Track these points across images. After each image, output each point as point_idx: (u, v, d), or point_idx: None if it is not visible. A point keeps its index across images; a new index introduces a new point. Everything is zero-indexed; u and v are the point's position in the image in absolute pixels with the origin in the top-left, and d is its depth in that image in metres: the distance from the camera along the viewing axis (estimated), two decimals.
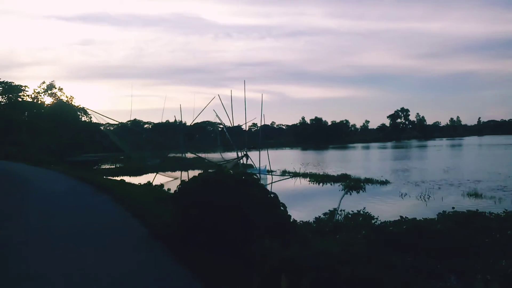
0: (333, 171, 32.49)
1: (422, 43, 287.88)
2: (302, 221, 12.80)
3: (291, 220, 7.23)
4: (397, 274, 6.04)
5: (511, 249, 9.45)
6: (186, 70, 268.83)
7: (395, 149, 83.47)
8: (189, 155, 32.47)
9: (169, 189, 16.63)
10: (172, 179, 29.95)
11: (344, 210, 15.53)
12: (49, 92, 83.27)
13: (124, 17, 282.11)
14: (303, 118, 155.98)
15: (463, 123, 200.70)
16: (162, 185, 18.31)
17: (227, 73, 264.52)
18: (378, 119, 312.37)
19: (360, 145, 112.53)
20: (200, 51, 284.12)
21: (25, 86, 79.65)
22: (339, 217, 14.69)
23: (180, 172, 29.82)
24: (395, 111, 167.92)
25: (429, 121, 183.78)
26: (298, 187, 25.67)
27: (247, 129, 35.66)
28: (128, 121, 65.18)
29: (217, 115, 32.46)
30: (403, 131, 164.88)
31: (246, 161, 29.70)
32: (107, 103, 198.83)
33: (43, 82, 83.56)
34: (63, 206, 11.83)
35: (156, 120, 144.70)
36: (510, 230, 11.18)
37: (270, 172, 30.06)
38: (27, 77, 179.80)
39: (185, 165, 30.84)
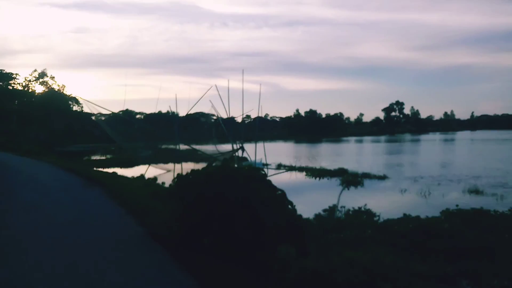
0: (329, 165, 32.00)
1: (420, 34, 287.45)
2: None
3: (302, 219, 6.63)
4: None
5: None
6: (181, 60, 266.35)
7: (390, 143, 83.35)
8: (182, 147, 31.81)
9: (163, 183, 16.01)
10: (165, 171, 29.30)
11: (344, 207, 14.95)
12: (41, 80, 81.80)
13: (119, 4, 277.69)
14: (297, 111, 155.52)
15: (456, 117, 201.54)
16: (155, 178, 17.67)
17: (222, 63, 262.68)
18: (372, 112, 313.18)
19: (354, 138, 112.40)
20: (196, 40, 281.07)
21: (16, 74, 78.29)
22: (340, 214, 14.18)
23: (173, 164, 29.16)
24: (390, 104, 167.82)
25: (423, 114, 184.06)
26: (294, 181, 25.16)
27: (245, 120, 35.01)
28: (120, 111, 64.19)
29: (212, 106, 31.75)
30: (397, 124, 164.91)
31: (242, 154, 29.07)
32: (99, 93, 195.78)
33: (35, 70, 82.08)
34: (50, 201, 11.10)
35: (149, 110, 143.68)
36: None
37: (265, 165, 29.47)
38: (20, 65, 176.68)
39: (178, 157, 30.16)
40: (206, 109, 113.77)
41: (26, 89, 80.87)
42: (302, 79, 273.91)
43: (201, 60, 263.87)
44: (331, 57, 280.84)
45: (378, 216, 13.48)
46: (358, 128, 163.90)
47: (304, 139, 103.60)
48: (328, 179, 25.11)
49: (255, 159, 28.75)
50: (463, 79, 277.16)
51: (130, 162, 33.26)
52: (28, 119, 70.07)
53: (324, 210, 14.49)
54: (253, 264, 4.83)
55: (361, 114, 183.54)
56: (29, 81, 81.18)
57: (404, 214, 12.88)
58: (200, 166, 31.46)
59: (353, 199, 17.79)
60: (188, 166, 30.20)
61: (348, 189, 21.22)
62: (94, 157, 45.43)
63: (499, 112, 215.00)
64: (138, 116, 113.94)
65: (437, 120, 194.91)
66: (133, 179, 17.03)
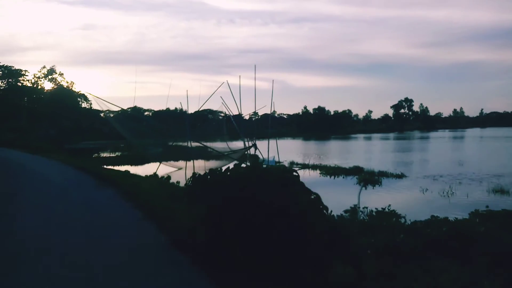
0: (342, 163, 31.28)
1: (427, 31, 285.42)
2: None
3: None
4: None
5: None
6: (188, 57, 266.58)
7: (400, 140, 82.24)
8: (193, 144, 31.24)
9: (178, 182, 15.44)
10: (176, 169, 28.77)
11: (367, 207, 14.27)
12: (50, 77, 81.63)
13: (126, 1, 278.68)
14: (305, 107, 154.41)
15: (465, 114, 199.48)
16: (169, 177, 17.11)
17: (229, 60, 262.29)
18: (380, 109, 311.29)
19: (362, 135, 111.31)
20: (203, 37, 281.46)
21: (25, 71, 78.14)
22: (362, 216, 13.54)
23: (184, 162, 28.62)
24: (399, 101, 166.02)
25: (432, 111, 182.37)
26: (309, 180, 24.47)
27: (253, 118, 34.39)
28: (129, 108, 63.89)
29: (223, 103, 31.11)
30: (406, 121, 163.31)
31: (255, 152, 28.44)
32: (107, 90, 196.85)
33: (43, 67, 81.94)
34: (62, 203, 10.52)
35: (157, 107, 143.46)
36: None
37: (278, 163, 28.82)
38: (28, 62, 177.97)
39: (189, 155, 29.62)
40: (213, 106, 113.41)
41: (35, 86, 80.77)
42: (309, 76, 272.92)
43: (208, 57, 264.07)
44: (338, 54, 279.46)
45: (404, 217, 12.85)
46: (367, 125, 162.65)
47: (312, 136, 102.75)
48: (343, 177, 24.43)
49: (268, 157, 28.12)
50: (471, 75, 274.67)
51: (140, 160, 32.76)
52: (37, 116, 70.03)
53: (346, 211, 13.86)
54: (300, 284, 4.20)
55: (370, 111, 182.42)
56: (38, 78, 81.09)
57: (432, 216, 12.20)
58: (211, 163, 31.11)
59: (373, 199, 17.16)
60: (199, 164, 29.67)
61: (366, 188, 20.59)
62: (103, 154, 45.05)
63: (509, 109, 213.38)
64: (146, 113, 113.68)
65: (446, 117, 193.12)
66: (146, 178, 16.49)
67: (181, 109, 32.42)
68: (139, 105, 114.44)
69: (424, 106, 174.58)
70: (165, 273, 5.28)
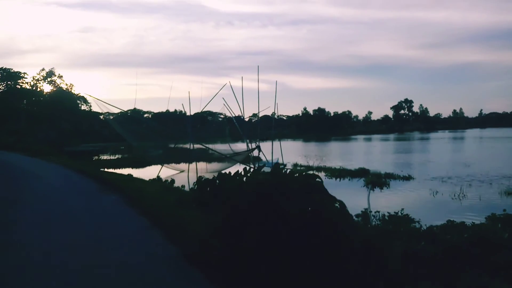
0: (345, 164, 30.80)
1: (426, 32, 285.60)
2: None
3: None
4: None
5: None
6: (187, 59, 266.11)
7: (401, 141, 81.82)
8: (195, 146, 30.71)
9: (183, 186, 14.95)
10: (178, 171, 28.26)
11: (379, 212, 13.74)
12: (49, 79, 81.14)
13: (125, 4, 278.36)
14: (305, 109, 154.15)
15: (465, 115, 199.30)
16: (173, 181, 16.61)
17: (228, 62, 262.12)
18: (380, 110, 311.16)
19: (363, 136, 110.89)
20: (201, 39, 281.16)
21: (24, 73, 77.76)
22: (375, 220, 13.04)
23: (186, 164, 28.11)
24: (399, 102, 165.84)
25: (431, 112, 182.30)
26: None
27: (252, 119, 33.95)
28: (128, 110, 63.42)
29: (225, 104, 30.66)
30: (406, 122, 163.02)
31: (258, 154, 27.97)
32: (106, 92, 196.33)
33: (42, 69, 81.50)
34: (64, 211, 9.93)
35: (156, 109, 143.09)
36: None
37: (283, 165, 28.33)
38: (27, 64, 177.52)
39: (190, 157, 29.11)
40: (213, 108, 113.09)
41: (34, 88, 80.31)
42: (308, 77, 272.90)
43: (207, 59, 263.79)
44: (337, 55, 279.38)
45: (418, 222, 12.38)
46: (367, 126, 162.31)
47: (312, 138, 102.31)
48: (349, 179, 23.96)
49: (272, 159, 27.65)
50: (471, 76, 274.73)
51: (141, 162, 32.29)
52: (36, 118, 69.53)
53: (357, 216, 13.34)
54: None
55: (370, 112, 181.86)
56: (37, 80, 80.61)
57: (448, 220, 11.72)
58: (213, 165, 30.57)
59: (382, 202, 16.67)
60: (201, 166, 29.16)
61: (373, 190, 20.11)
62: (104, 157, 44.49)
63: (508, 109, 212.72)
64: (146, 115, 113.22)
65: (445, 118, 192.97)
66: (149, 181, 16.00)
67: (181, 111, 31.89)
68: (138, 107, 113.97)
69: (424, 107, 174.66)
70: None
